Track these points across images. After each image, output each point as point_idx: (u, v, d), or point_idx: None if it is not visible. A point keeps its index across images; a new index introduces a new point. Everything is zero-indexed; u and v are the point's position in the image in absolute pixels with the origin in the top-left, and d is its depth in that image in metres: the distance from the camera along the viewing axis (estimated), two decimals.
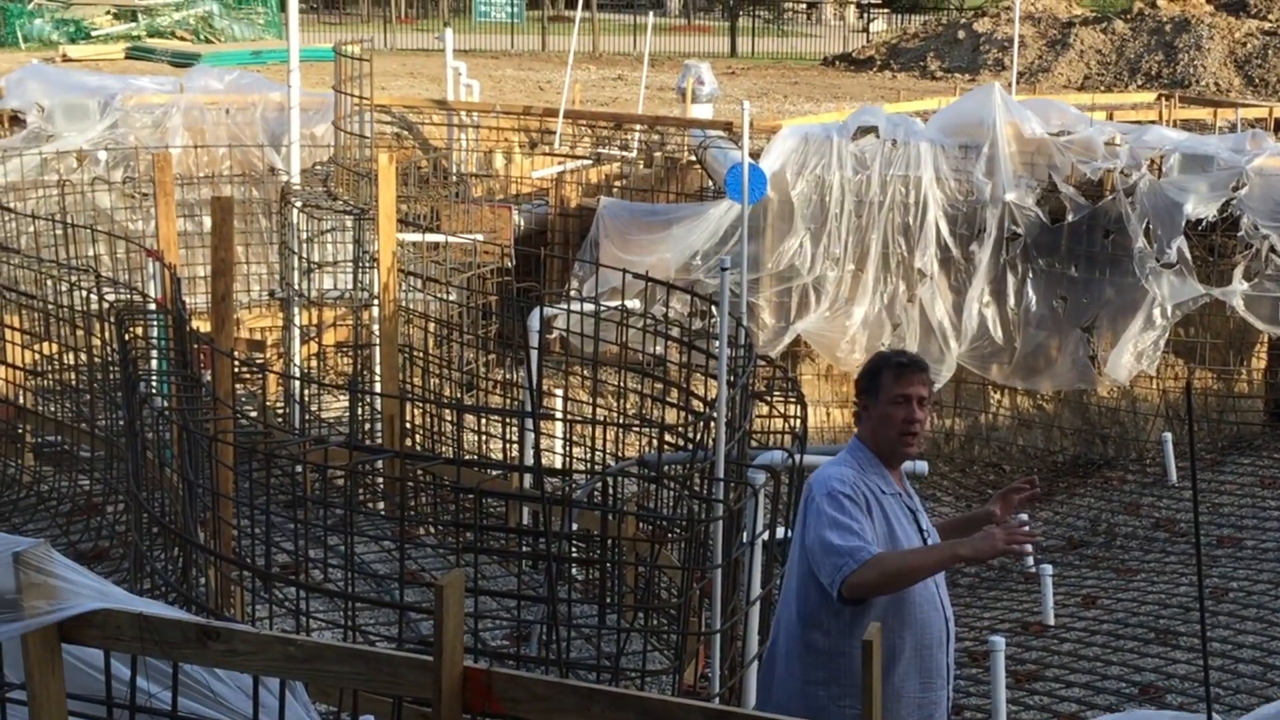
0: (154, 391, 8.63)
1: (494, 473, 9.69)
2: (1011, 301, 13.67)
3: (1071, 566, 11.09)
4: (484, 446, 10.83)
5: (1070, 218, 13.54)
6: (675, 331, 10.43)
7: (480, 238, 11.93)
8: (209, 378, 8.25)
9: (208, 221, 10.02)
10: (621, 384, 10.98)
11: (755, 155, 13.06)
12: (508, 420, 10.30)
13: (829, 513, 4.69)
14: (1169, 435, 12.83)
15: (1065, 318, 13.72)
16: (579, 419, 10.68)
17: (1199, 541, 4.04)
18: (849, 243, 13.56)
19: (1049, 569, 10.08)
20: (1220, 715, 8.10)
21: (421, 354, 10.95)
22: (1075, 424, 14.14)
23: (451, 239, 11.50)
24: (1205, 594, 9.73)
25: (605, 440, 9.79)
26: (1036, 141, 13.65)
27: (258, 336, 13.60)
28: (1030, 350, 13.74)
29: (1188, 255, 13.19)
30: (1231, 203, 13.22)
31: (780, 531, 6.99)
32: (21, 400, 10.82)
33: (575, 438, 10.59)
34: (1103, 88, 24.86)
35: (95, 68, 22.43)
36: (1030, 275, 13.67)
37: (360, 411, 11.31)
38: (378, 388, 10.67)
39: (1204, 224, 13.27)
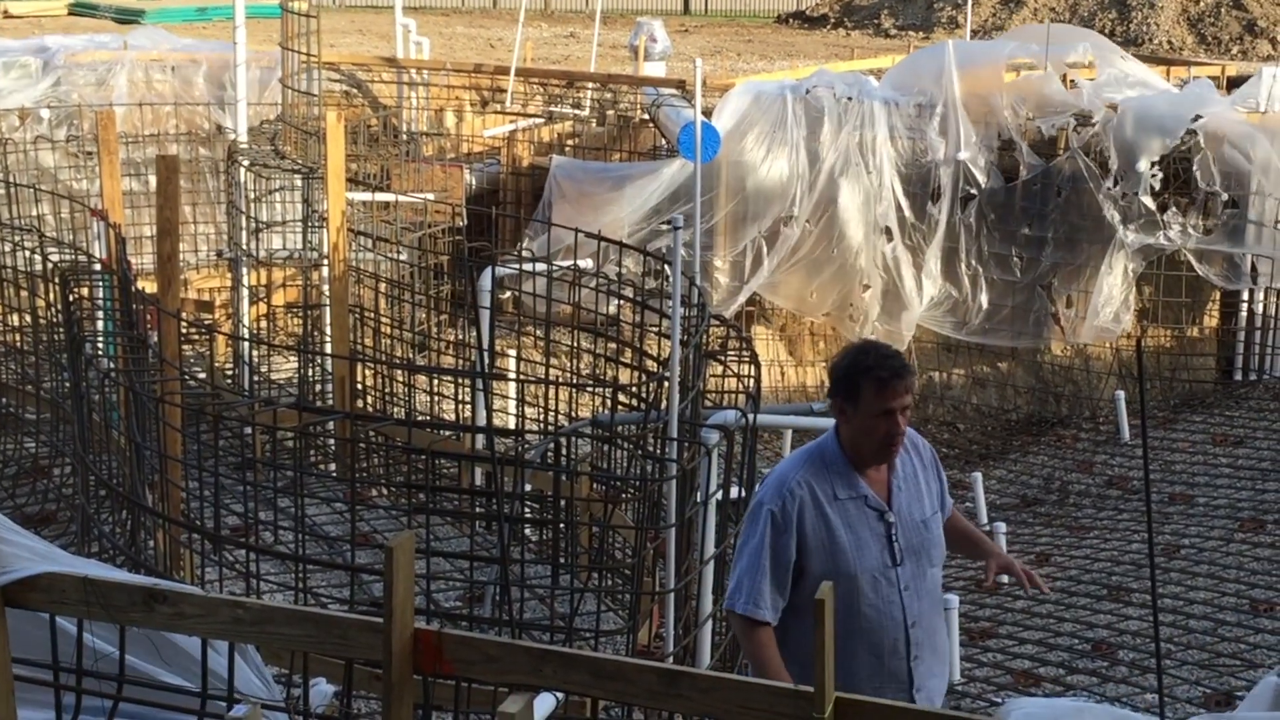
0: (100, 353, 8.52)
1: (446, 434, 9.63)
2: (968, 260, 13.67)
3: (1025, 524, 11.13)
4: (436, 407, 10.76)
5: (1024, 175, 13.54)
6: (628, 291, 10.37)
7: (431, 197, 11.83)
8: (156, 339, 8.15)
9: (153, 180, 9.89)
10: (575, 344, 10.92)
11: (708, 114, 12.98)
12: (460, 381, 10.23)
13: (756, 531, 4.72)
14: (1122, 393, 12.88)
15: (1022, 275, 13.73)
16: (532, 379, 10.62)
17: (1149, 499, 4.03)
18: (803, 202, 13.51)
19: (1002, 527, 10.11)
20: (1170, 677, 8.15)
21: (372, 314, 10.87)
22: (1029, 382, 14.19)
23: (402, 198, 11.39)
24: (1157, 551, 9.79)
25: (558, 400, 9.74)
26: (992, 98, 13.62)
27: (206, 297, 13.46)
28: (988, 309, 13.75)
29: (1151, 204, 13.24)
30: (1189, 160, 13.26)
31: (734, 491, 6.97)
32: None
33: (528, 398, 10.53)
34: None
35: (38, 24, 22.09)
36: (986, 234, 13.67)
37: (310, 373, 11.22)
38: (328, 348, 10.57)
39: (1157, 175, 13.31)
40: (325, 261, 10.54)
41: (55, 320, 9.28)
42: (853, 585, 4.63)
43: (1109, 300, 13.45)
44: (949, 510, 5.02)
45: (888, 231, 13.63)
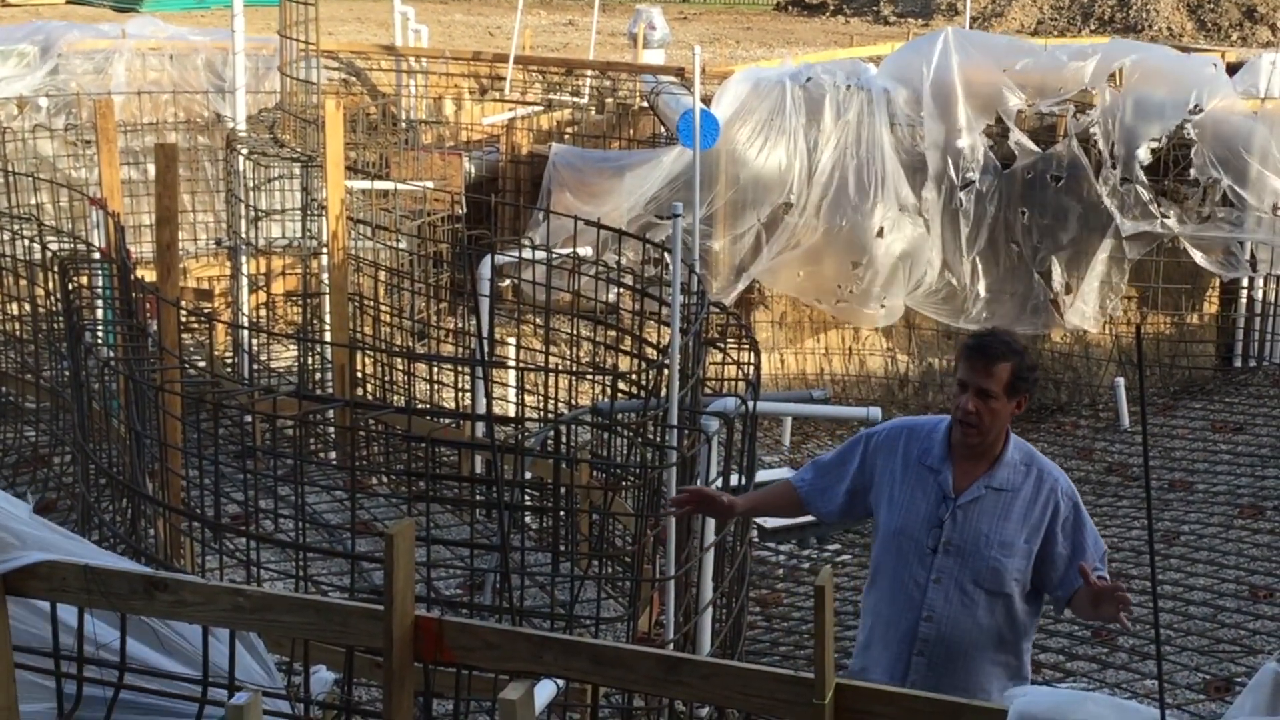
0: (99, 342, 8.51)
1: (446, 421, 9.63)
2: (967, 247, 13.65)
3: None
4: (436, 395, 10.75)
5: (1022, 162, 13.53)
6: (628, 279, 10.37)
7: (430, 185, 11.81)
8: (155, 327, 8.14)
9: (152, 169, 9.88)
10: (574, 332, 10.91)
11: (707, 101, 12.96)
12: (460, 369, 10.23)
13: (847, 441, 5.06)
14: (1121, 380, 12.88)
15: (1019, 262, 13.72)
16: (532, 367, 10.62)
17: (1149, 485, 4.02)
18: (802, 189, 13.49)
19: None
20: (1169, 661, 8.16)
21: (372, 302, 10.86)
22: None
23: (401, 186, 11.38)
24: (1156, 538, 9.80)
25: (558, 388, 9.74)
26: (990, 85, 13.60)
27: (205, 286, 13.45)
28: (987, 296, 13.74)
29: (1145, 195, 13.23)
30: (1188, 147, 13.25)
31: (734, 478, 6.97)
32: None
33: (528, 386, 10.53)
34: (1056, 32, 24.86)
35: (35, 13, 22.06)
36: (984, 220, 13.64)
37: (310, 361, 11.22)
38: (327, 337, 10.57)
39: (1157, 160, 13.30)
40: (324, 250, 10.53)
41: (54, 309, 9.26)
42: (889, 543, 4.71)
43: (1101, 286, 13.45)
44: (1078, 577, 4.56)
45: (886, 217, 13.60)
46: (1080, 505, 4.70)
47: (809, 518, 10.21)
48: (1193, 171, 13.26)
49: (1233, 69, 14.43)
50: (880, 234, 13.46)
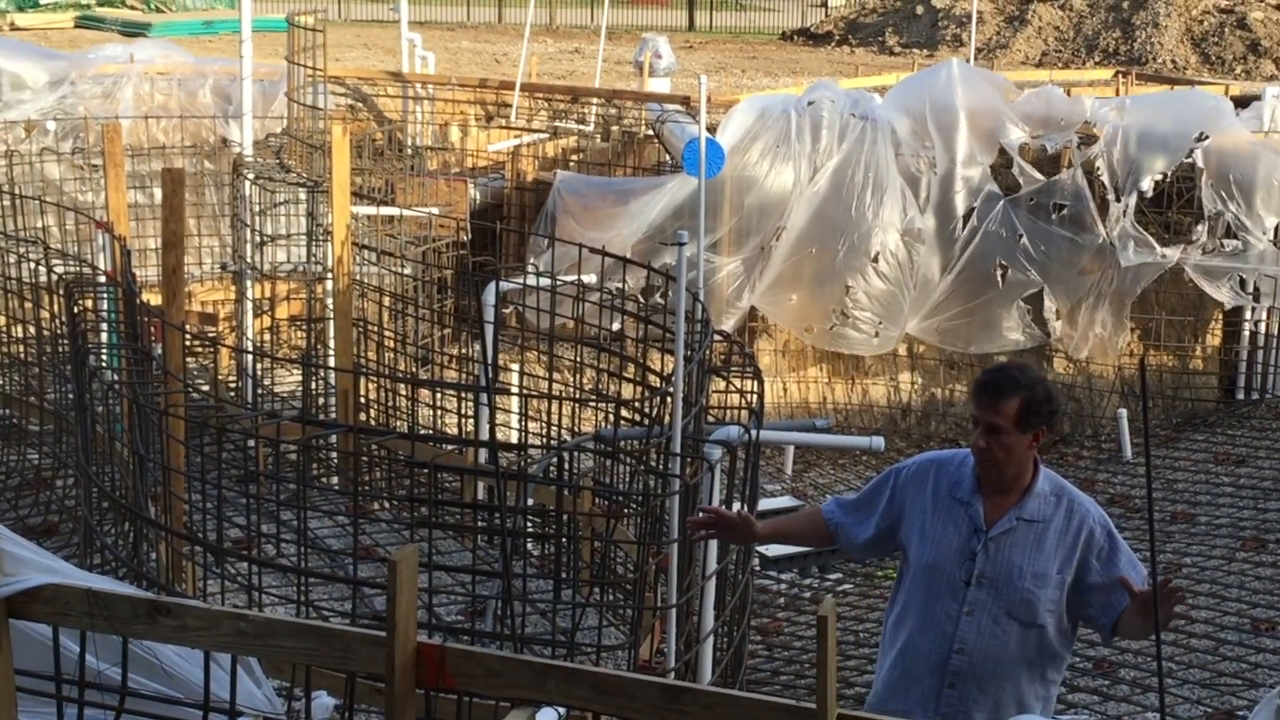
0: (104, 365, 8.53)
1: (449, 448, 9.63)
2: (969, 275, 13.66)
3: None
4: (439, 421, 10.76)
5: (1025, 191, 13.55)
6: (631, 306, 10.38)
7: (435, 211, 11.84)
8: (160, 351, 8.16)
9: (159, 193, 9.90)
10: (578, 359, 10.92)
11: (712, 130, 13.00)
12: (463, 395, 10.24)
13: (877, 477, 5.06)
14: (1124, 412, 12.88)
15: (1018, 290, 13.72)
16: (535, 394, 10.62)
17: (1152, 517, 4.00)
18: (804, 216, 13.49)
19: None
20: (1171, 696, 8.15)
21: (376, 328, 10.88)
22: None
23: (406, 212, 11.41)
24: (1159, 570, 9.78)
25: (561, 415, 9.74)
26: (993, 118, 13.64)
27: (210, 310, 13.47)
28: (988, 325, 13.74)
29: (1135, 227, 13.28)
30: (1193, 180, 13.29)
31: (736, 506, 6.97)
32: None
33: (531, 412, 10.52)
34: (1060, 64, 24.92)
35: (44, 37, 22.15)
36: (984, 248, 13.64)
37: (314, 386, 11.23)
38: (331, 362, 10.58)
39: (1161, 192, 13.34)
40: (329, 275, 10.55)
41: (59, 332, 9.28)
42: (920, 576, 4.70)
43: (1102, 316, 13.47)
44: (1120, 601, 4.61)
45: (883, 244, 13.61)
46: (1114, 533, 4.70)
47: (813, 548, 10.21)
48: (1206, 204, 13.27)
49: (1237, 102, 14.48)
50: (876, 259, 13.47)
